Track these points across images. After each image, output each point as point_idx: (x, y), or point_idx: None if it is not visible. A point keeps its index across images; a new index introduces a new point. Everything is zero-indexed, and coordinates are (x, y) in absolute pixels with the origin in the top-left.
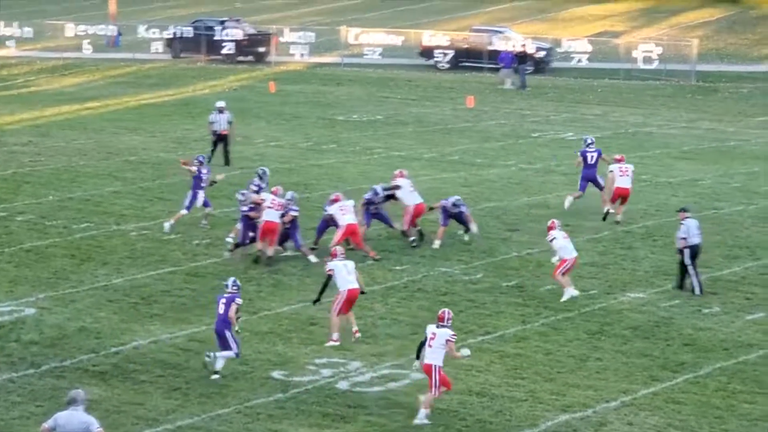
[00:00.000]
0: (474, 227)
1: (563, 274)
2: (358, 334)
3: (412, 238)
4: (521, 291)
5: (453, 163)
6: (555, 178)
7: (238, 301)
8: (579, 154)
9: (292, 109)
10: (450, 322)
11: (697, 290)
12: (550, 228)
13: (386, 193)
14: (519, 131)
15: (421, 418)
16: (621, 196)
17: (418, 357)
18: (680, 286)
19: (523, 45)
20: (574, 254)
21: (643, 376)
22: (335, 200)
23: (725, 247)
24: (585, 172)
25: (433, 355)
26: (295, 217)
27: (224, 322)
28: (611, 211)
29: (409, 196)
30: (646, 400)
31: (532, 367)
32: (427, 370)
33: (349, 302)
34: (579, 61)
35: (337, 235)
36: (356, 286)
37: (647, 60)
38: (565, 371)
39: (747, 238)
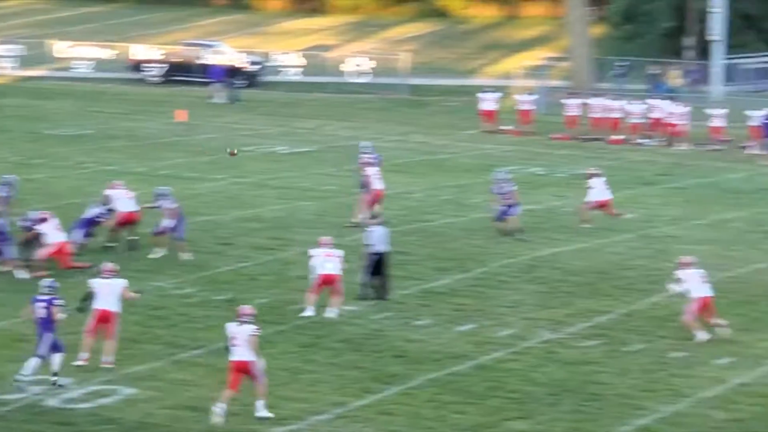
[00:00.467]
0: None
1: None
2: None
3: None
4: (234, 305)
5: (164, 177)
6: (267, 192)
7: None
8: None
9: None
10: (249, 318)
11: (387, 295)
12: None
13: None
14: (230, 145)
15: (261, 409)
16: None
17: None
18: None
19: (234, 59)
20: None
21: (355, 388)
22: (43, 219)
23: (435, 260)
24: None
25: (244, 352)
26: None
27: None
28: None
29: (123, 204)
30: (359, 412)
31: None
32: (241, 367)
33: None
34: (291, 74)
35: (48, 250)
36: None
37: (358, 74)
38: (277, 384)
39: (457, 250)
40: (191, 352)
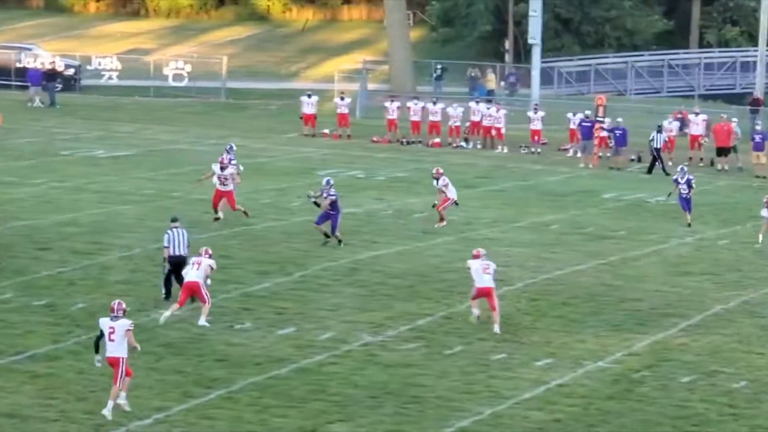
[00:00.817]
0: None
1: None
2: None
3: None
4: (53, 310)
5: None
6: (86, 196)
7: None
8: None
9: None
10: (122, 312)
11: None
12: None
13: None
14: (49, 149)
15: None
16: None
17: (97, 351)
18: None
19: (52, 62)
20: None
21: (177, 393)
22: None
23: (256, 263)
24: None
25: (118, 348)
26: None
27: None
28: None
29: None
30: (180, 417)
31: (64, 387)
32: (114, 362)
33: None
34: (110, 78)
35: None
36: None
37: (177, 77)
38: (98, 390)
39: (277, 253)
40: (9, 359)
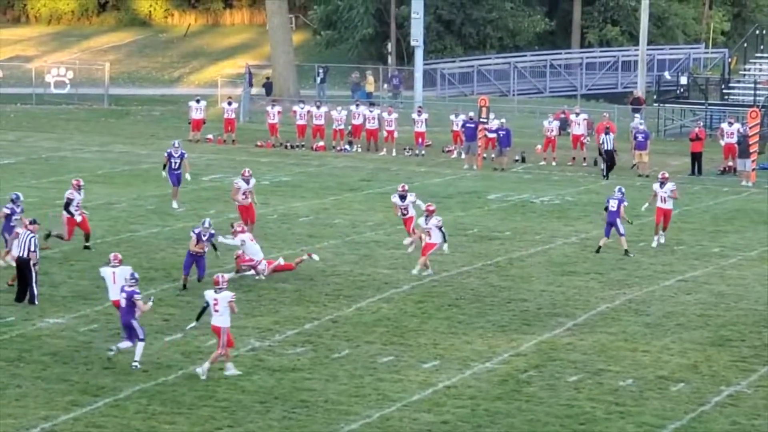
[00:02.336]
0: None
1: None
2: None
3: None
4: None
5: None
6: None
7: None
8: (165, 154)
9: None
10: (226, 284)
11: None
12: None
13: None
14: None
15: (205, 371)
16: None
17: (198, 320)
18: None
19: None
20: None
21: (64, 402)
22: None
23: (142, 270)
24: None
25: (221, 318)
26: None
27: (129, 314)
28: None
29: None
30: (67, 426)
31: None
32: (216, 331)
33: None
34: None
35: None
36: None
37: (59, 84)
38: None
39: (162, 260)
40: None
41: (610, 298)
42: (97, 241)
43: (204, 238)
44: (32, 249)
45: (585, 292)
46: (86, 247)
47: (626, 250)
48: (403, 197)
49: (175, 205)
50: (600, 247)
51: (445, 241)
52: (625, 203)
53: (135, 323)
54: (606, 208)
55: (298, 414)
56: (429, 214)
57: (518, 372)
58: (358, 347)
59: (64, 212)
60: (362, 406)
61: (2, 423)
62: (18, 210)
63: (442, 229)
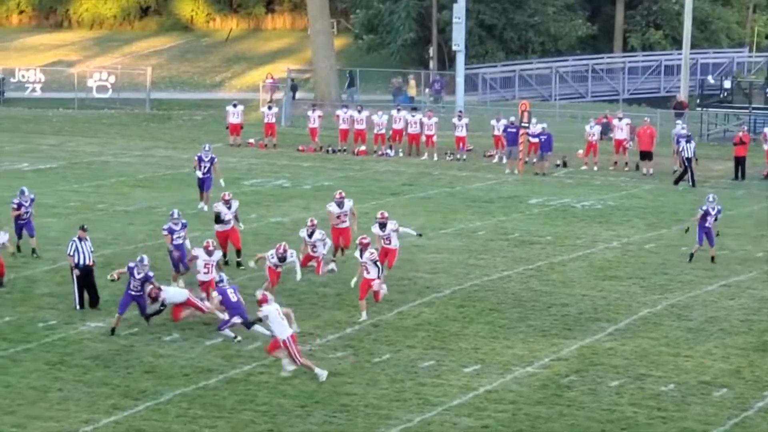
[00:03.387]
0: None
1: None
2: None
3: None
4: None
5: None
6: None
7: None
8: (195, 158)
9: None
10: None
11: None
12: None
13: None
14: None
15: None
16: None
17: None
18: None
19: None
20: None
21: (105, 405)
22: None
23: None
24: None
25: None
26: None
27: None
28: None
29: None
30: (108, 429)
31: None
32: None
33: None
34: (33, 90)
35: None
36: None
37: (101, 89)
38: (25, 403)
39: None
40: None
41: (652, 302)
42: (139, 245)
43: (138, 275)
44: (92, 251)
45: (627, 296)
46: (238, 264)
47: (713, 257)
48: (383, 225)
49: (201, 205)
50: (692, 254)
51: (378, 276)
52: (720, 213)
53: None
54: (703, 216)
55: (339, 418)
56: (363, 247)
57: (559, 377)
58: (399, 351)
59: (216, 226)
60: (403, 410)
61: (44, 426)
62: (27, 204)
63: (377, 263)
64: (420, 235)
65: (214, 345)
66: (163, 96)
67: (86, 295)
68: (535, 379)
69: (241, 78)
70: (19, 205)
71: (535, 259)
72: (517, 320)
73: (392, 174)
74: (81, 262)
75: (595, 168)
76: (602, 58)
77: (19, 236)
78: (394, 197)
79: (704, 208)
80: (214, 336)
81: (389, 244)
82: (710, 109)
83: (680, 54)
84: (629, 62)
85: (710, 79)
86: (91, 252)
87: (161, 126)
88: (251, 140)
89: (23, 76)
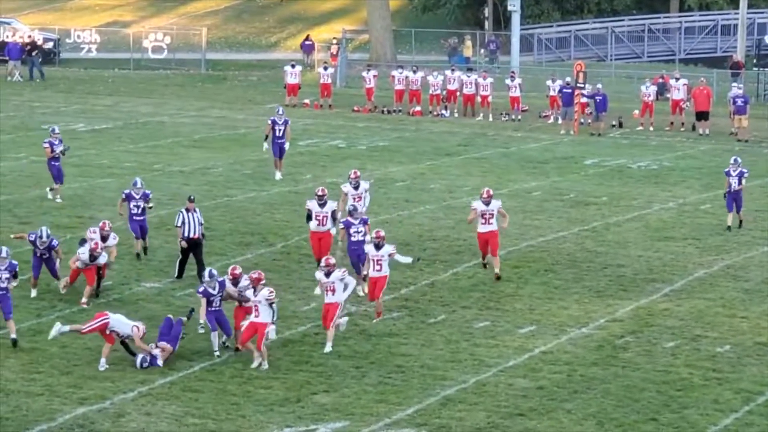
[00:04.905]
0: None
1: None
2: None
3: None
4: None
5: None
6: (67, 169)
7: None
8: (269, 122)
9: None
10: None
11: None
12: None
13: None
14: (29, 123)
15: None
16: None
17: None
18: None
19: (31, 36)
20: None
21: (156, 368)
22: None
23: (238, 234)
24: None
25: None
26: None
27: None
28: None
29: None
30: (164, 390)
31: (48, 361)
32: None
33: None
34: (89, 51)
35: None
36: None
37: (157, 49)
38: (81, 364)
39: (259, 224)
40: None
41: (708, 263)
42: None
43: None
44: (202, 222)
45: (682, 257)
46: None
47: (741, 222)
48: (378, 246)
49: (278, 176)
50: (729, 226)
51: (273, 321)
52: (746, 173)
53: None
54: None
55: (394, 379)
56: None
57: (614, 337)
58: (454, 312)
59: (310, 225)
60: (458, 371)
61: (100, 386)
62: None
63: (273, 305)
64: (419, 259)
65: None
66: (218, 57)
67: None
68: (591, 340)
69: (297, 38)
70: (128, 198)
71: (590, 219)
72: (572, 281)
73: (447, 135)
74: (188, 234)
75: (651, 128)
76: (658, 17)
77: (138, 236)
78: (448, 158)
79: (726, 170)
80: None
81: (379, 270)
82: (767, 69)
83: (737, 13)
84: (686, 22)
85: (767, 39)
86: (201, 224)
87: (216, 87)
88: (306, 101)
89: (79, 37)
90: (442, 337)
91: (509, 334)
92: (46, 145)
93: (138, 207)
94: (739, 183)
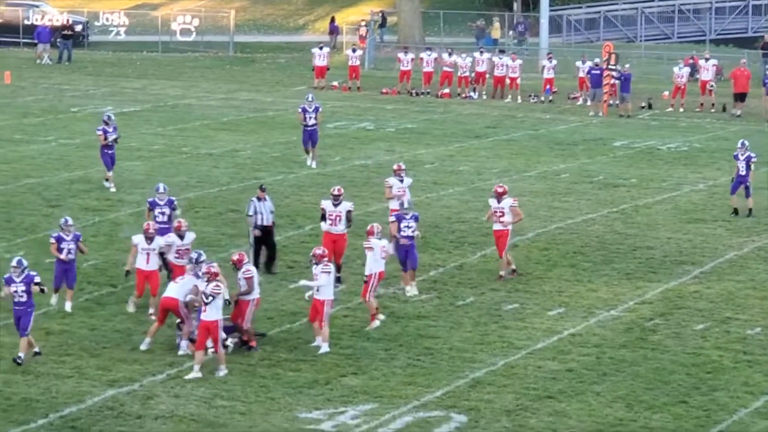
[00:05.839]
0: None
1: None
2: None
3: None
4: None
5: None
6: (96, 152)
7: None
8: (299, 110)
9: None
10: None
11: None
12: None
13: None
14: (58, 106)
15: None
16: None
17: None
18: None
19: (61, 19)
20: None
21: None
22: None
23: None
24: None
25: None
26: None
27: None
28: None
29: None
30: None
31: (77, 343)
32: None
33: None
34: (117, 34)
35: None
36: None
37: (185, 32)
38: (110, 346)
39: (287, 206)
40: None
41: (738, 245)
42: (223, 188)
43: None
44: (273, 210)
45: (712, 239)
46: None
47: (750, 210)
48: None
49: (312, 164)
50: (736, 208)
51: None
52: (754, 158)
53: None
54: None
55: (423, 361)
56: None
57: (644, 320)
58: (482, 295)
59: (322, 225)
60: (487, 353)
61: (129, 369)
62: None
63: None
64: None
65: (298, 288)
66: (246, 39)
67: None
68: (620, 322)
69: (325, 20)
70: (152, 206)
71: (619, 201)
72: (601, 263)
73: (476, 117)
74: (260, 222)
75: (681, 110)
76: None
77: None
78: (477, 140)
79: (735, 154)
80: (297, 278)
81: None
82: None
83: None
84: (716, 2)
85: None
86: (272, 212)
87: (244, 69)
88: (335, 83)
89: (107, 20)
90: (471, 320)
91: (538, 316)
92: (100, 132)
93: (163, 214)
94: (747, 168)
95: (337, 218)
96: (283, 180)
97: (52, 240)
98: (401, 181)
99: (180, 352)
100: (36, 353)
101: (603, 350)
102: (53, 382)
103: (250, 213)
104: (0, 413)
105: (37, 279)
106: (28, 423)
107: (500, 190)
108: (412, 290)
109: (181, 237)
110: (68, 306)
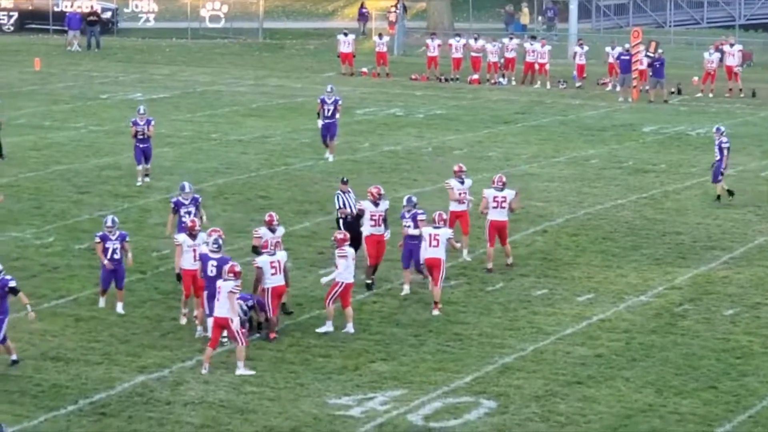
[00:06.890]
0: None
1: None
2: None
3: None
4: (93, 253)
5: (20, 126)
6: (125, 139)
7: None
8: (318, 100)
9: None
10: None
11: None
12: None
13: None
14: (88, 93)
15: None
16: None
17: None
18: None
19: (91, 6)
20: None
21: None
22: None
23: (296, 203)
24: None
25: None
26: None
27: None
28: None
29: None
30: (222, 358)
31: (107, 330)
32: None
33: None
34: (146, 21)
35: None
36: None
37: (214, 19)
38: (140, 332)
39: (317, 193)
40: (53, 302)
41: None
42: (252, 174)
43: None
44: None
45: (742, 225)
46: (368, 285)
47: (719, 196)
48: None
49: (330, 158)
50: (719, 195)
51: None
52: (726, 143)
53: None
54: (720, 150)
55: (452, 347)
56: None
57: (673, 305)
58: (512, 280)
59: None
60: (516, 339)
61: (158, 355)
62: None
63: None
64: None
65: (327, 274)
66: (275, 25)
67: None
68: (649, 307)
69: (354, 6)
70: (177, 206)
71: (648, 187)
72: (630, 249)
73: (504, 102)
74: (349, 211)
75: (711, 95)
76: None
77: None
78: (506, 126)
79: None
80: (326, 265)
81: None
82: None
83: None
84: None
85: None
86: (354, 203)
87: (274, 55)
88: (364, 69)
89: (136, 6)
90: (500, 305)
91: (567, 302)
92: (132, 124)
93: (189, 214)
94: (720, 153)
95: (380, 218)
96: (313, 166)
97: (97, 239)
98: (462, 182)
99: (197, 335)
100: (14, 361)
101: (632, 336)
102: (83, 369)
103: (340, 205)
104: (30, 399)
105: (12, 284)
106: (58, 409)
107: (502, 180)
108: (407, 289)
109: (194, 237)
110: (120, 307)
